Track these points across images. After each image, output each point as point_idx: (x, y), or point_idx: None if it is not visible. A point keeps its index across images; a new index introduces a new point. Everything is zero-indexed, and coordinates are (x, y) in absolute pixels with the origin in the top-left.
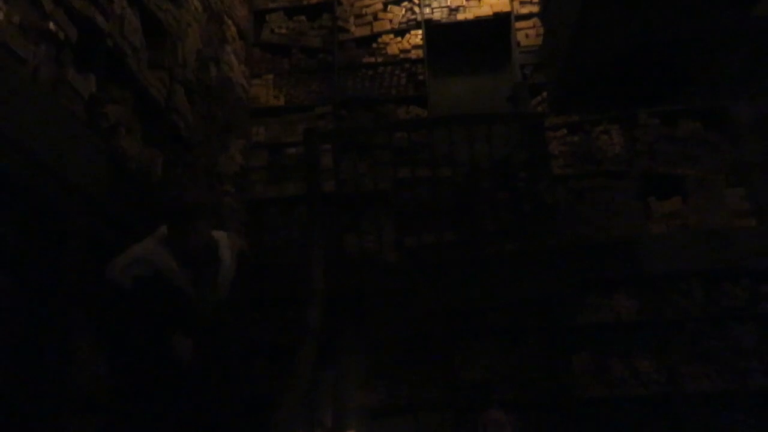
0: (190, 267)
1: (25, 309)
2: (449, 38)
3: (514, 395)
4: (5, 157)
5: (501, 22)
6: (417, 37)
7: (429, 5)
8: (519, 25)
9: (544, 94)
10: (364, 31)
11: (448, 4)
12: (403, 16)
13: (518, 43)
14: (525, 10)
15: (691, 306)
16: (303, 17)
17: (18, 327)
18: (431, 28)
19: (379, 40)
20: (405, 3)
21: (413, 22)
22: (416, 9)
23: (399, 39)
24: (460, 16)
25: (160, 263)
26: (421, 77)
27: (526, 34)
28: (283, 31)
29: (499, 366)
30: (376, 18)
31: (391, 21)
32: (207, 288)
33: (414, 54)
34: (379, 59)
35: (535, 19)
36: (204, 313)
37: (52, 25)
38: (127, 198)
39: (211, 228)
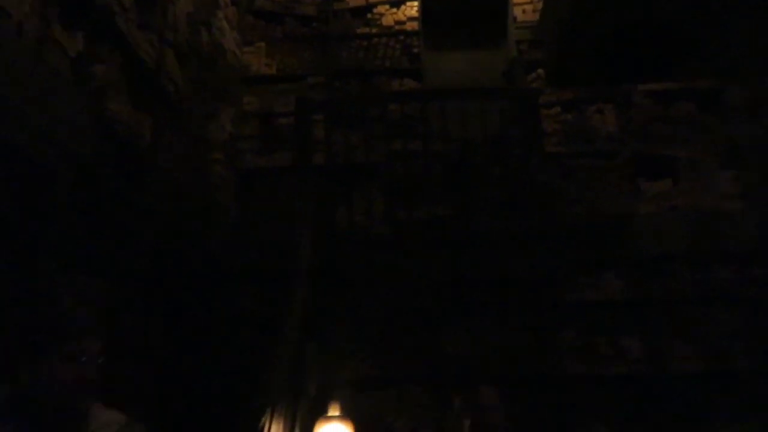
0: None
1: (12, 271)
2: (445, 11)
3: (499, 370)
4: None
5: None
6: (413, 8)
7: None
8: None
9: (540, 70)
10: (359, 1)
11: None
12: None
13: (515, 19)
14: None
15: (678, 287)
16: None
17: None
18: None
19: (375, 10)
20: None
21: None
22: None
23: (394, 10)
24: None
25: None
26: (416, 50)
27: (523, 10)
28: None
29: (486, 342)
30: None
31: None
32: None
33: (409, 26)
34: (374, 30)
35: None
36: None
37: None
38: (116, 162)
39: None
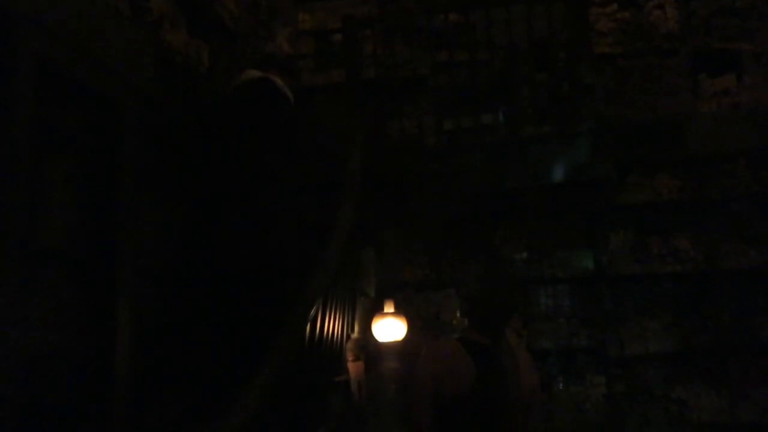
0: None
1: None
2: None
3: (553, 270)
4: (62, 54)
5: None
6: None
7: None
8: None
9: None
10: None
11: None
12: None
13: None
14: None
15: (735, 185)
16: None
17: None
18: None
19: None
20: None
21: None
22: None
23: None
24: None
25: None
26: None
27: None
28: None
29: (539, 244)
30: None
31: None
32: None
33: None
34: None
35: None
36: None
37: None
38: (176, 89)
39: None
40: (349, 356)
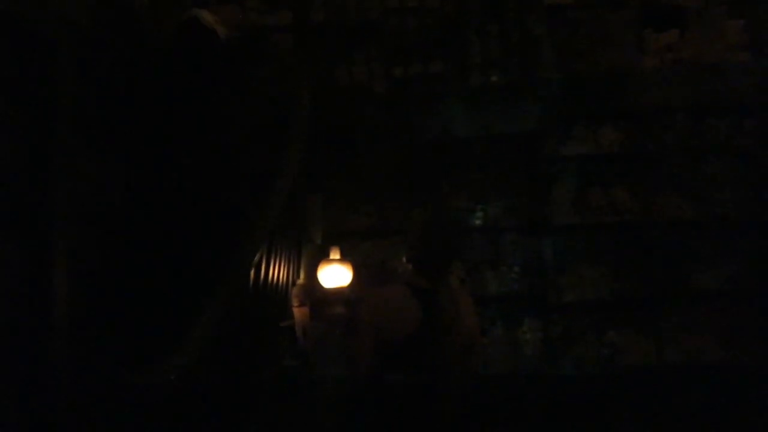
0: None
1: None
2: None
3: (497, 219)
4: None
5: None
6: None
7: None
8: None
9: None
10: None
11: None
12: None
13: None
14: None
15: (674, 139)
16: None
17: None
18: None
19: None
20: None
21: None
22: None
23: None
24: None
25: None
26: None
27: None
28: None
29: (484, 193)
30: None
31: None
32: None
33: None
34: None
35: None
36: None
37: None
38: (114, 26)
39: None
40: (295, 302)
